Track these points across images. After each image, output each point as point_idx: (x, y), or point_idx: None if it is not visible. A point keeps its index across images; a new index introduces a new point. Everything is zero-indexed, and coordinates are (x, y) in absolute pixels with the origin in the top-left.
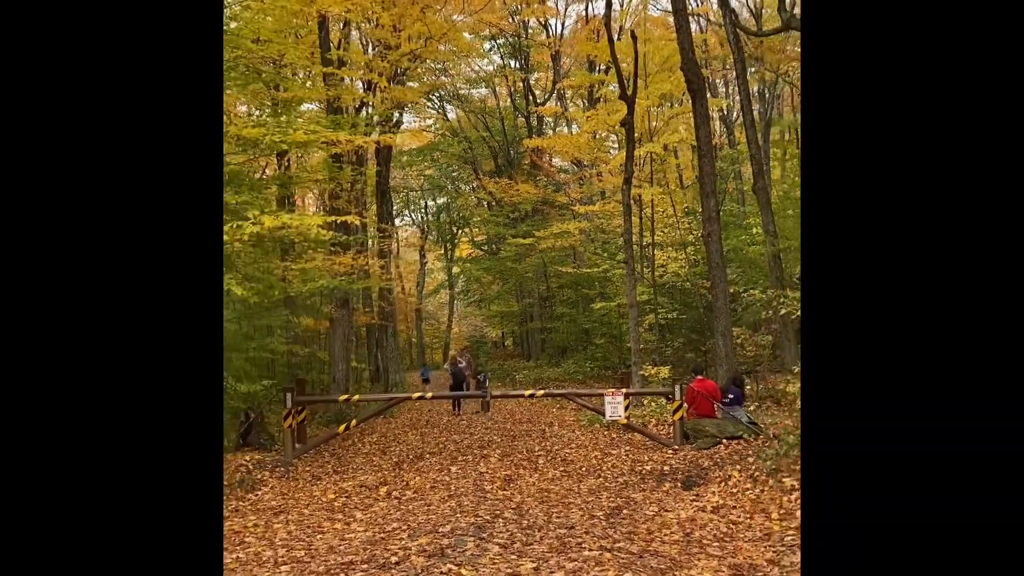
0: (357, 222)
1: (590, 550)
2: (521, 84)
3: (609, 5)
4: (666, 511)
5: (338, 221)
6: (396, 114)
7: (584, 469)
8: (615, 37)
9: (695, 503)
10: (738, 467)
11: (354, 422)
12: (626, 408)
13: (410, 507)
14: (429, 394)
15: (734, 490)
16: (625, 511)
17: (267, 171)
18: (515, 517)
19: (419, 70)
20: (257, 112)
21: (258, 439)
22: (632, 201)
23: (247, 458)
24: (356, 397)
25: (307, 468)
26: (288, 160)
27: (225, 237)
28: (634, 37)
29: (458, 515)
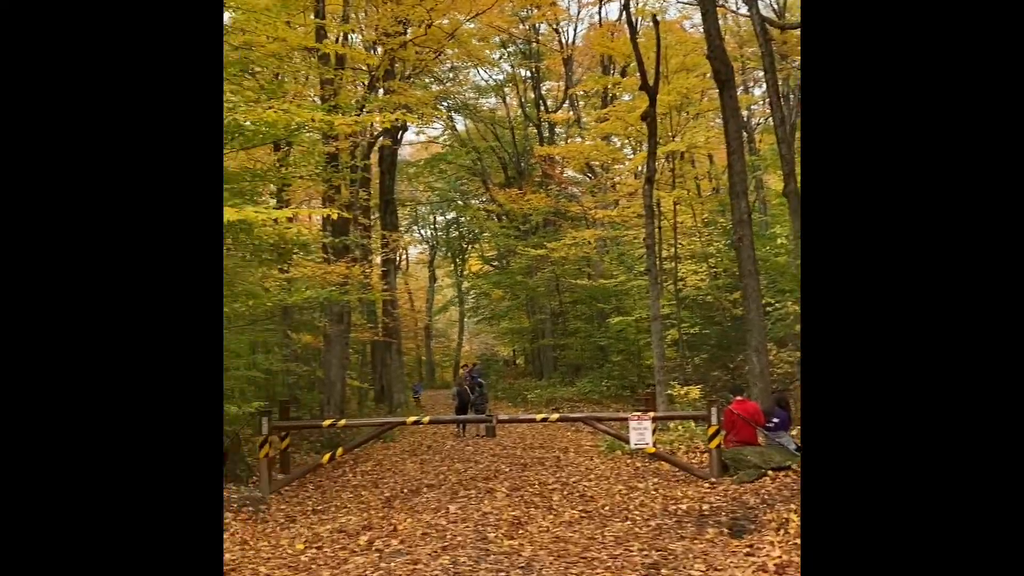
0: (337, 215)
1: None
2: (532, 93)
3: None
4: (716, 570)
5: (319, 217)
6: (400, 118)
7: (607, 508)
8: (635, 23)
9: (751, 558)
10: (793, 507)
11: (340, 451)
12: (653, 433)
13: (392, 564)
14: (426, 418)
15: (797, 540)
16: (664, 571)
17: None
18: None
19: (425, 79)
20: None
21: (234, 469)
22: (654, 205)
23: None
24: (342, 422)
25: (283, 506)
26: (286, 154)
27: None
28: (656, 22)
29: None
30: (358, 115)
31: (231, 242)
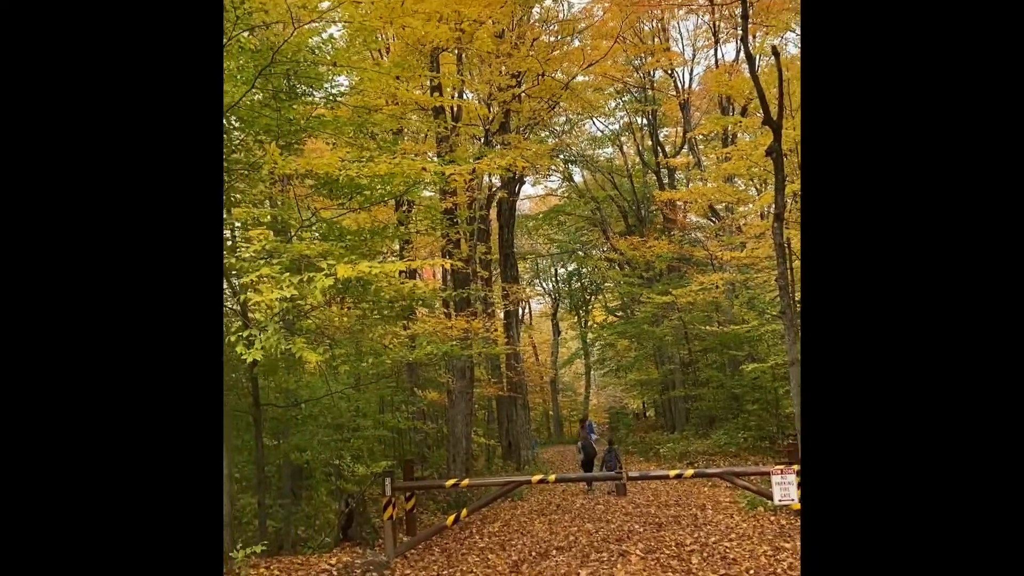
0: (451, 266)
1: None
2: (649, 140)
3: (745, 17)
4: None
5: (440, 273)
6: (513, 165)
7: (752, 572)
8: (754, 57)
9: None
10: None
11: (464, 512)
12: (798, 488)
13: None
14: (552, 477)
15: None
16: None
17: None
18: None
19: (540, 132)
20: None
21: (360, 532)
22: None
23: (338, 558)
24: (465, 482)
25: (407, 571)
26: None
27: (293, 292)
28: (776, 53)
29: None
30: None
31: (351, 302)
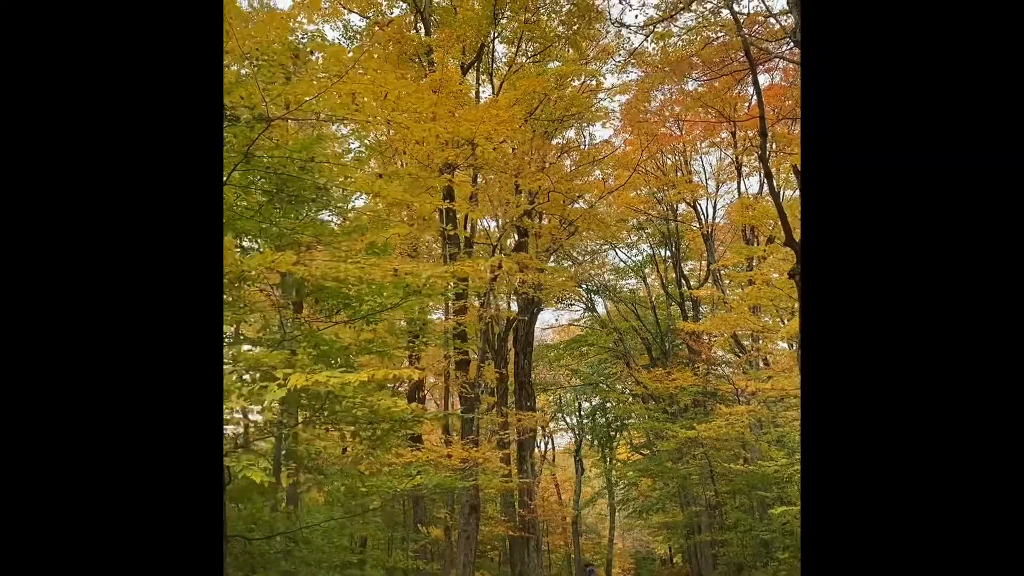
0: (463, 390)
1: None
2: (673, 272)
3: (764, 134)
4: None
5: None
6: (524, 285)
7: None
8: (772, 174)
9: None
10: None
11: None
12: None
13: None
14: None
15: None
16: None
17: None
18: None
19: (563, 262)
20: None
21: None
22: None
23: None
24: None
25: None
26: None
27: (243, 404)
28: (797, 172)
29: None
30: (486, 293)
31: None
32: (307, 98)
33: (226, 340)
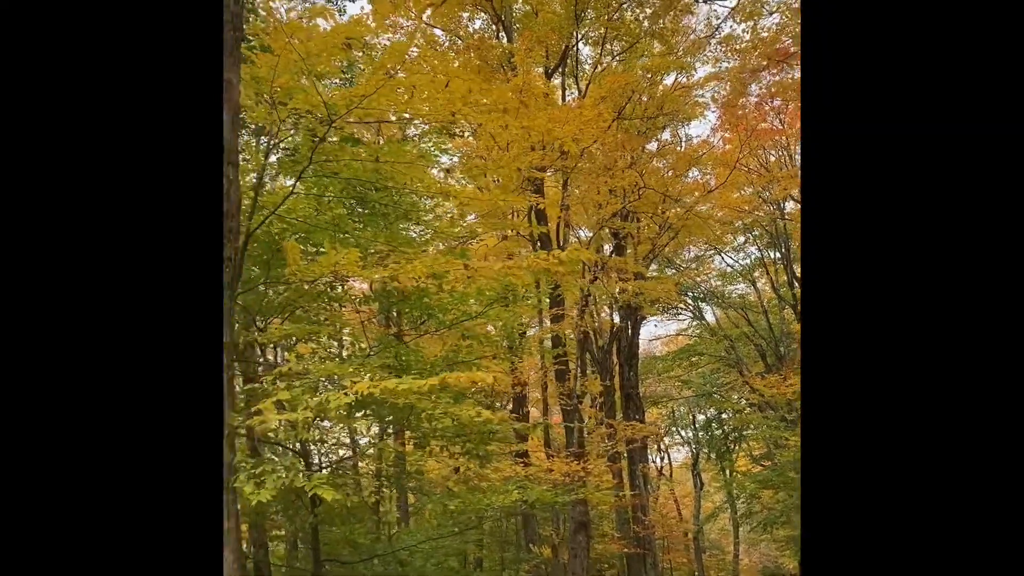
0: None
1: None
2: (784, 274)
3: None
4: None
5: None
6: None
7: None
8: None
9: None
10: None
11: None
12: None
13: None
14: None
15: None
16: None
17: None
18: None
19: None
20: None
21: None
22: None
23: None
24: None
25: None
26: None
27: (308, 414)
28: None
29: None
30: (583, 299)
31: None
32: (364, 94)
33: (317, 356)
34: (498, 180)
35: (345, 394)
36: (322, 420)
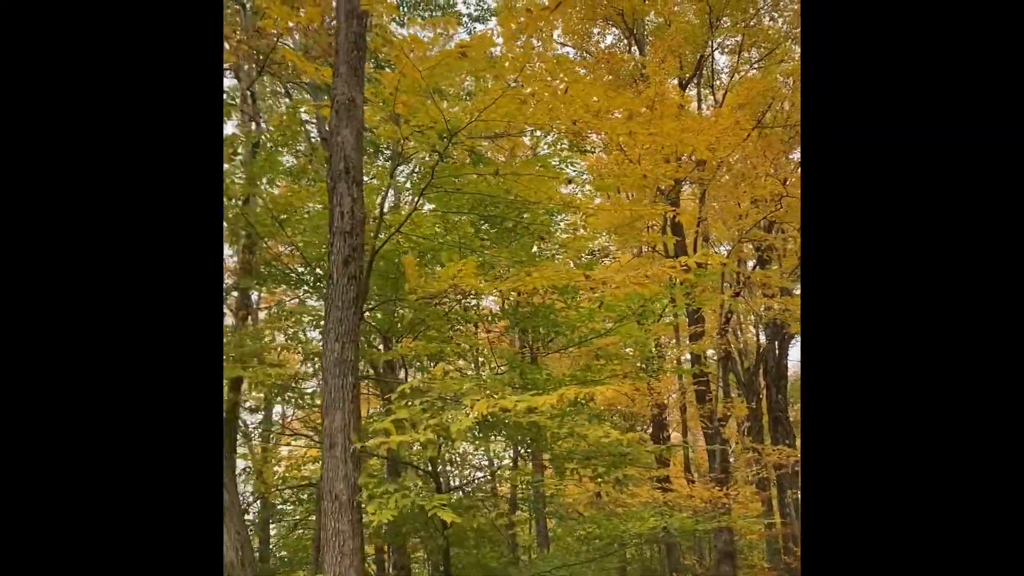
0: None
1: None
2: None
3: None
4: None
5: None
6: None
7: None
8: None
9: None
10: None
11: None
12: None
13: None
14: None
15: None
16: None
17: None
18: None
19: None
20: None
21: None
22: None
23: None
24: None
25: None
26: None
27: (429, 435)
28: None
29: None
30: (724, 323)
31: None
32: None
33: (447, 376)
34: (631, 195)
35: (466, 414)
36: (445, 440)
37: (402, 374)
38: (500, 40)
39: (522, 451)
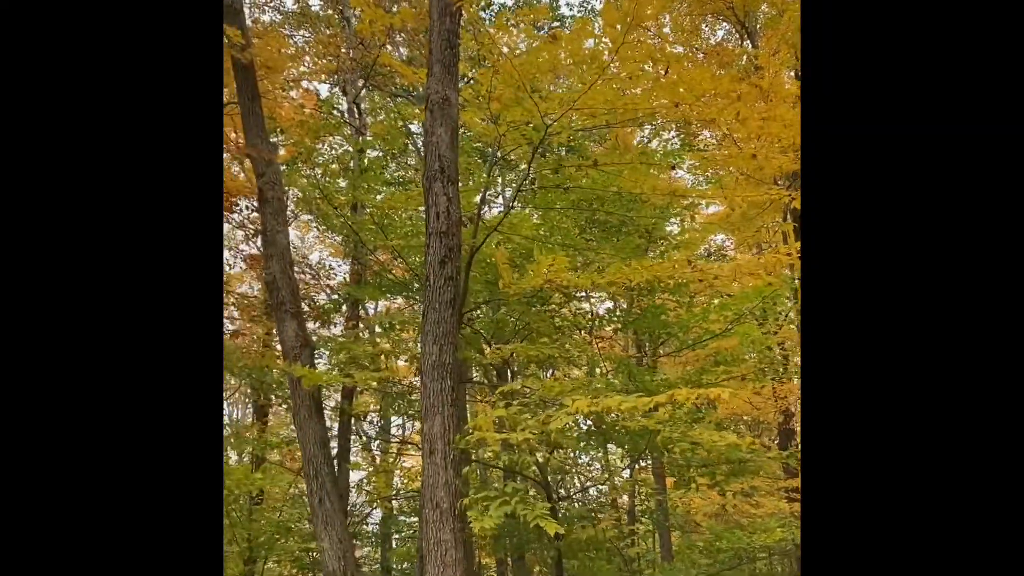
0: None
1: None
2: None
3: None
4: None
5: None
6: None
7: None
8: None
9: None
10: None
11: None
12: None
13: None
14: None
15: None
16: None
17: None
18: None
19: None
20: None
21: None
22: None
23: None
24: None
25: None
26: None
27: (529, 435)
28: None
29: None
30: None
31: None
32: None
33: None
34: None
35: (567, 412)
36: (545, 442)
37: (508, 379)
38: (600, 31)
39: (641, 463)
